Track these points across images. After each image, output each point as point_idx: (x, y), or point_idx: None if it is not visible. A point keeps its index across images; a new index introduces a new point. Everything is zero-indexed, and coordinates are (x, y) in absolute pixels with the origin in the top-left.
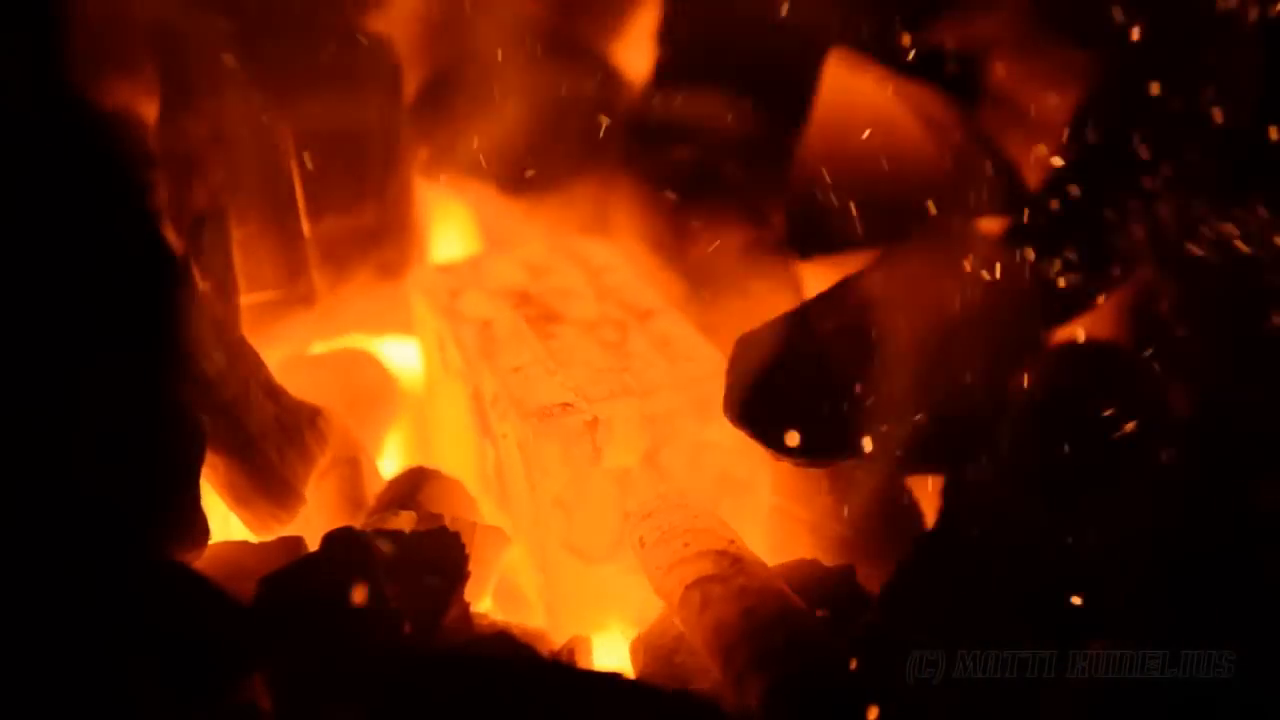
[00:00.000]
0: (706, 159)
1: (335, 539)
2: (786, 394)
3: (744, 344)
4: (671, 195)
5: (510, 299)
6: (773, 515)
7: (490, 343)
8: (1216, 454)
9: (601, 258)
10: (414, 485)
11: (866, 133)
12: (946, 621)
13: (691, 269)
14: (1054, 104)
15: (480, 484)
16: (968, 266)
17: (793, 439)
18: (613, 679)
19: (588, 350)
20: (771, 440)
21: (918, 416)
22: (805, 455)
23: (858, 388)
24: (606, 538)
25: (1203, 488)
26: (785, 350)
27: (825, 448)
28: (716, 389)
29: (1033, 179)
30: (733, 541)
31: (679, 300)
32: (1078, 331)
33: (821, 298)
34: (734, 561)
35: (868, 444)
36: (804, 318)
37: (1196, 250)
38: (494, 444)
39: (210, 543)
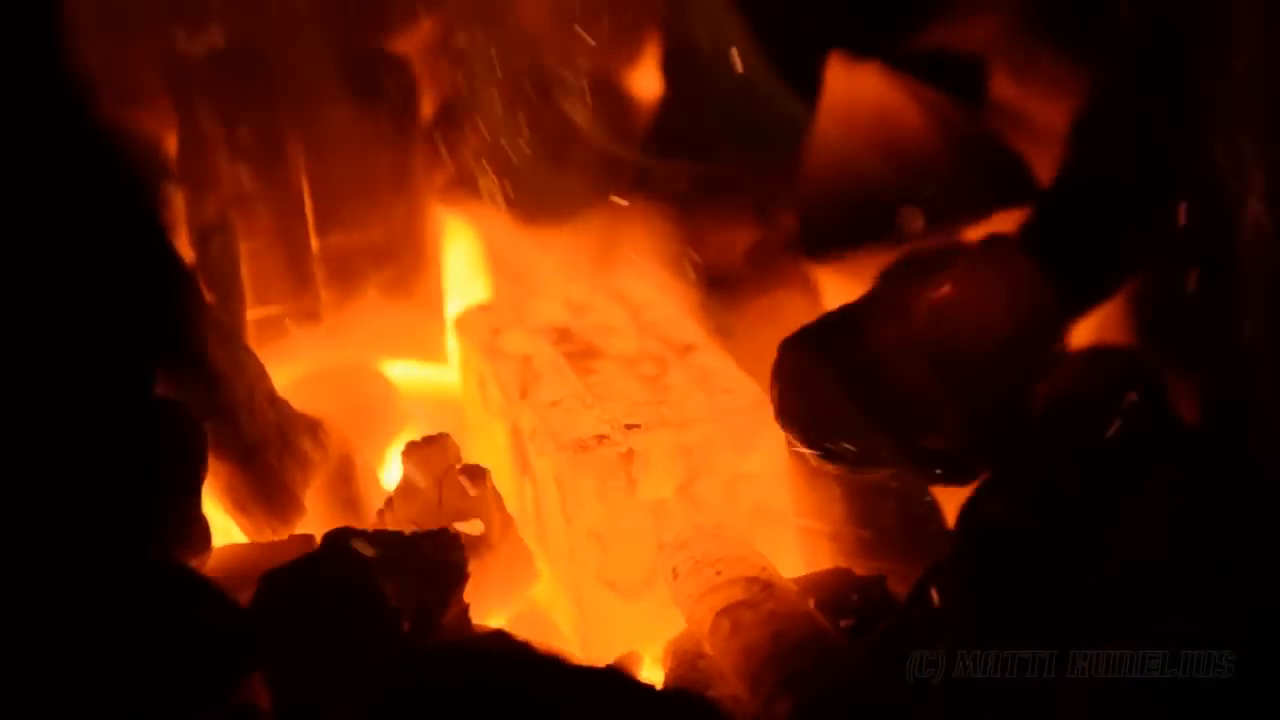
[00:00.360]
0: (717, 169)
1: (335, 539)
2: (841, 403)
3: (787, 350)
4: (682, 204)
5: (550, 336)
6: (795, 535)
7: (529, 378)
8: (1219, 455)
9: (642, 295)
10: None
11: (872, 127)
12: (967, 628)
13: (704, 275)
14: (1054, 108)
15: (519, 522)
16: (1001, 272)
17: (847, 448)
18: (612, 677)
19: (626, 384)
20: (826, 450)
21: (957, 421)
22: (857, 464)
23: (909, 396)
24: (641, 570)
25: (1205, 489)
26: (838, 358)
27: (879, 457)
28: (754, 420)
29: (1040, 179)
30: (764, 568)
31: (693, 308)
32: (1091, 331)
33: (870, 304)
34: (765, 587)
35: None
36: (855, 326)
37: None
38: (532, 481)
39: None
